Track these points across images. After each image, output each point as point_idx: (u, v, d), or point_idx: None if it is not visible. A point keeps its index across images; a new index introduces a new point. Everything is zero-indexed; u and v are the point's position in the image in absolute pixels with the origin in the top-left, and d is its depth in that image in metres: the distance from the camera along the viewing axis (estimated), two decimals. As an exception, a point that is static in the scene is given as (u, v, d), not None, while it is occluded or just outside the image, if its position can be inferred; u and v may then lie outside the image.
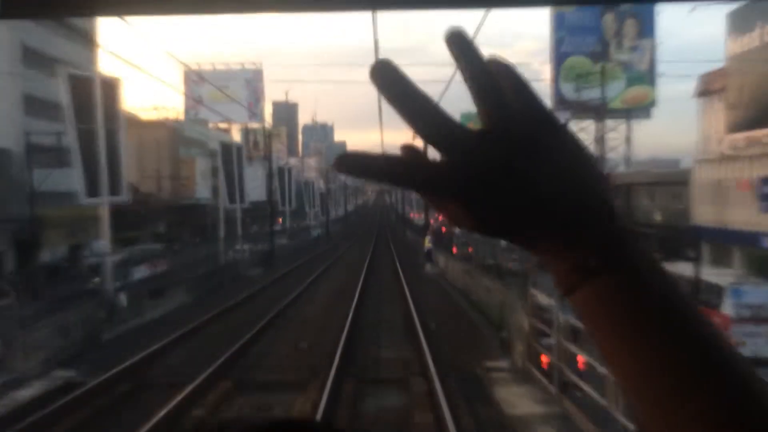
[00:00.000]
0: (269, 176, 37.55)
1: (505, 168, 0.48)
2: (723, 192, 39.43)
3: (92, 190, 16.89)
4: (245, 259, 32.09)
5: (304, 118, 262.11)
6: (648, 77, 75.48)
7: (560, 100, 76.37)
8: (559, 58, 75.58)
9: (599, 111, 77.41)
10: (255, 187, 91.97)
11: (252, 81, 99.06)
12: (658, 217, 50.07)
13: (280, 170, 45.53)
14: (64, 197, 52.57)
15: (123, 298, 16.77)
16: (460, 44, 0.50)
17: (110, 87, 16.89)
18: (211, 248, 45.14)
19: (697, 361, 0.46)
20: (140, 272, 27.21)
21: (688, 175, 44.29)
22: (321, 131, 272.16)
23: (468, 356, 13.03)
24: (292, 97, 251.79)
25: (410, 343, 14.36)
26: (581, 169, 0.50)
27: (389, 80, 0.50)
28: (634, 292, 0.48)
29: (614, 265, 0.48)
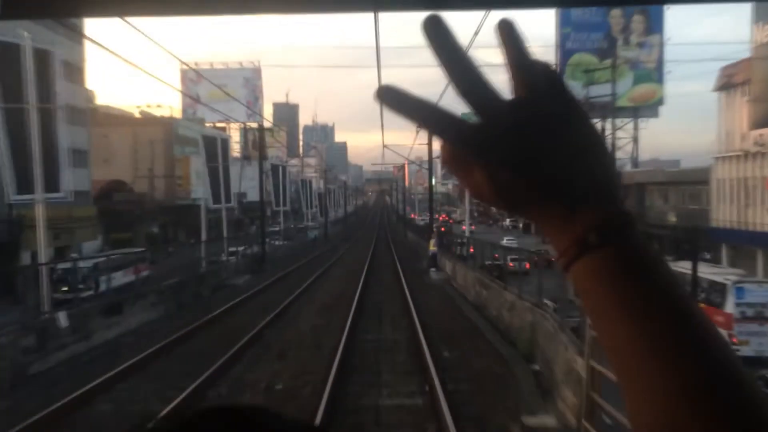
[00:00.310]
0: (260, 174, 33.79)
1: (529, 136, 0.51)
2: (747, 191, 36.08)
3: (23, 185, 13.43)
4: (233, 263, 28.57)
5: (304, 119, 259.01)
6: (656, 74, 72.09)
7: (565, 98, 73.08)
8: (564, 54, 72.19)
9: (606, 109, 74.02)
10: (253, 186, 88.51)
11: (251, 79, 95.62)
12: (672, 218, 46.56)
13: (275, 168, 41.96)
14: (51, 197, 49.11)
15: (62, 319, 13.26)
16: (508, 31, 0.54)
17: (44, 59, 13.41)
18: (203, 251, 41.78)
19: (679, 334, 0.48)
20: (114, 280, 23.77)
21: (707, 174, 40.81)
22: (321, 132, 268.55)
23: (497, 402, 9.58)
24: (293, 98, 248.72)
25: (419, 382, 10.87)
26: (594, 150, 0.53)
27: (440, 38, 0.52)
28: (627, 267, 0.50)
29: (611, 241, 0.51)
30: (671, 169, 49.85)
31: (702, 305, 14.65)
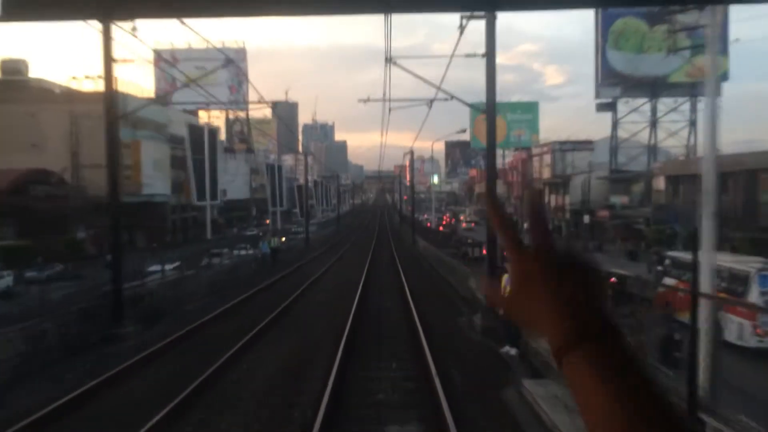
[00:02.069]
0: (109, 131, 15.47)
1: (543, 280, 0.69)
2: None
3: None
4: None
5: (304, 118, 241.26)
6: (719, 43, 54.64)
7: (608, 72, 55.83)
8: (606, 20, 55.13)
9: (656, 86, 56.53)
10: (231, 181, 71.56)
11: (234, 61, 78.41)
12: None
13: (196, 135, 24.52)
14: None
15: None
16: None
17: None
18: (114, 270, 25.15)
19: (649, 413, 0.59)
20: None
21: None
22: (321, 131, 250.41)
23: None
24: (293, 97, 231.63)
25: None
26: (590, 282, 0.69)
27: (496, 203, 0.76)
28: (608, 358, 0.63)
29: (596, 337, 0.65)
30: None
31: (722, 295, 13.42)
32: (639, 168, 54.02)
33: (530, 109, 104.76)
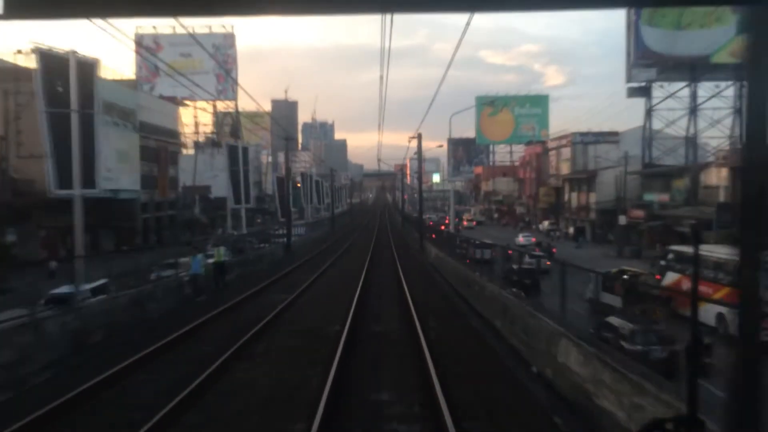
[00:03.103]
0: None
1: None
2: None
3: None
4: None
5: (304, 117, 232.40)
6: (769, 19, 45.96)
7: (642, 52, 47.27)
8: (639, -9, 46.46)
9: (696, 67, 47.98)
10: (215, 176, 63.16)
11: (221, 47, 70.01)
12: None
13: (51, 69, 15.56)
14: None
15: None
16: None
17: None
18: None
19: None
20: None
21: None
22: (321, 129, 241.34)
23: None
24: (292, 96, 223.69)
25: None
26: None
27: None
28: None
29: None
30: None
31: (729, 289, 13.54)
32: (674, 162, 45.51)
33: (539, 102, 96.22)
